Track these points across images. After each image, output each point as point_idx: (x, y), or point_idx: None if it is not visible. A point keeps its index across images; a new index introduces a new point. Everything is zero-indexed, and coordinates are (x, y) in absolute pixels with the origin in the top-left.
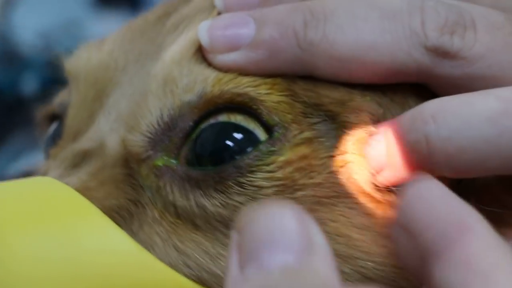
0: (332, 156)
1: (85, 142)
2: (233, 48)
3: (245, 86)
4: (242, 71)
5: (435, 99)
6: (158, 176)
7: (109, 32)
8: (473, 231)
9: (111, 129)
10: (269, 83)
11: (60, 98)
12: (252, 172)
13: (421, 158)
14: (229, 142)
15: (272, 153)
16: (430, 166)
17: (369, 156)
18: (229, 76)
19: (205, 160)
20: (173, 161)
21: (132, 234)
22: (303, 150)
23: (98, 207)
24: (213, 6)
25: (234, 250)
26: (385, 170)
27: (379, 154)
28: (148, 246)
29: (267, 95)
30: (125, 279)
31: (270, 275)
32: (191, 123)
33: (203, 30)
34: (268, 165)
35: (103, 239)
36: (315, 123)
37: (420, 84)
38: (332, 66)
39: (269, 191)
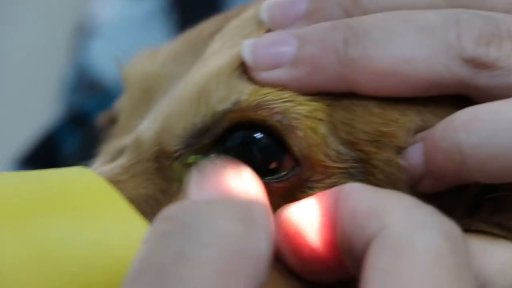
0: None
1: (126, 139)
2: (276, 65)
3: (285, 100)
4: (285, 88)
5: (467, 107)
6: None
7: None
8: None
9: (148, 129)
10: (312, 106)
11: (119, 103)
12: None
13: (455, 165)
14: (256, 152)
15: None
16: (464, 173)
17: (409, 165)
18: (268, 89)
19: None
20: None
21: None
22: None
23: (125, 195)
24: (259, 21)
25: None
26: (425, 179)
27: (418, 163)
28: None
29: (306, 118)
30: None
31: None
32: (221, 130)
33: (247, 48)
34: None
35: (123, 224)
36: (346, 168)
37: (464, 96)
38: (373, 81)
39: None
